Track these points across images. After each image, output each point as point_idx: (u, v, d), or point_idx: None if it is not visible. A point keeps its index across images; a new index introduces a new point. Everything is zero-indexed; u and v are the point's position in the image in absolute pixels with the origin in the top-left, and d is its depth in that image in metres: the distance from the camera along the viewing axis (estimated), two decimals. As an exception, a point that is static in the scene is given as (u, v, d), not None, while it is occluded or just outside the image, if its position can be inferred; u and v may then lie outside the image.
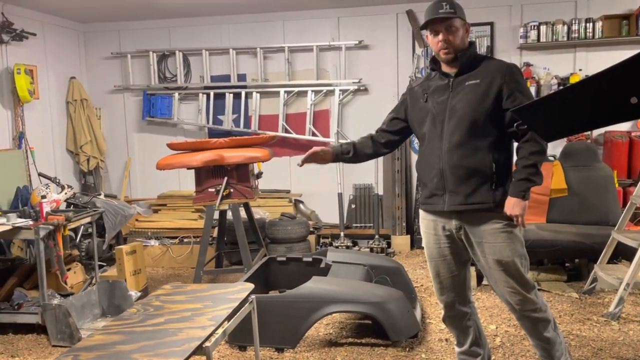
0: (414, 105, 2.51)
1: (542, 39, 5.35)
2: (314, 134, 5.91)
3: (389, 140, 2.64)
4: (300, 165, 2.59)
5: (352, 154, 2.61)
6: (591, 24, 5.23)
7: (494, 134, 2.32)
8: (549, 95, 1.41)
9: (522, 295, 2.38)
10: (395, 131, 2.63)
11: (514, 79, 2.31)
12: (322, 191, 5.96)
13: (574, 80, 5.34)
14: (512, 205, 2.29)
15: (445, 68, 2.42)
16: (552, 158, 5.01)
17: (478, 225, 2.37)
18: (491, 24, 5.55)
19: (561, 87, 4.44)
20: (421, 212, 2.56)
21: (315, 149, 2.59)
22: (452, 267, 2.50)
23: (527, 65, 5.42)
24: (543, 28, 5.33)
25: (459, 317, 2.58)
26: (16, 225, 3.53)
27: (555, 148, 5.23)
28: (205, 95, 6.04)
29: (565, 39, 5.31)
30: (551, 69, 5.39)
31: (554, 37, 5.33)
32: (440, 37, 2.33)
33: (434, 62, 2.46)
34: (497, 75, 2.31)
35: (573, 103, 1.35)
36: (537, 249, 4.04)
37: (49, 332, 3.51)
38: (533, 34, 5.35)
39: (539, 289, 4.07)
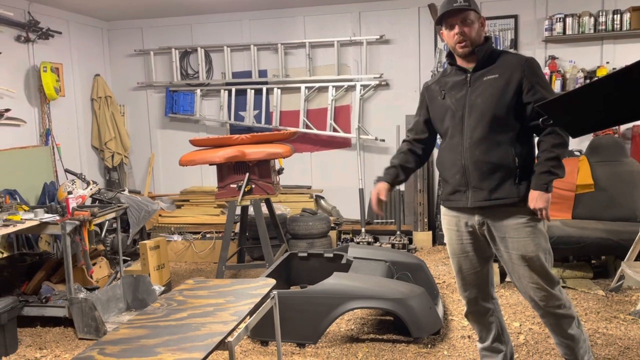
0: (433, 103, 2.49)
1: (568, 32, 5.24)
2: (334, 130, 5.90)
3: (425, 146, 2.62)
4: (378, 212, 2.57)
5: (403, 177, 2.59)
6: (619, 15, 5.10)
7: (515, 128, 2.30)
8: (575, 89, 1.38)
9: (547, 291, 2.34)
10: (427, 137, 2.60)
11: (533, 72, 2.29)
12: (343, 187, 5.95)
13: (600, 73, 5.22)
14: (535, 199, 2.26)
15: (461, 63, 2.39)
16: (578, 153, 4.92)
17: (501, 220, 2.34)
18: (515, 17, 5.45)
19: (587, 81, 4.35)
20: (443, 209, 2.54)
21: (380, 197, 2.52)
22: (475, 263, 2.48)
23: (553, 58, 5.32)
24: (569, 20, 5.22)
25: (482, 312, 2.56)
26: (43, 220, 3.60)
27: (581, 143, 5.13)
28: (226, 92, 6.08)
29: (592, 31, 5.19)
30: (577, 62, 5.28)
31: (580, 29, 5.21)
32: (456, 29, 2.32)
33: (450, 57, 2.44)
34: (516, 69, 2.29)
35: (600, 97, 1.32)
36: (562, 246, 3.97)
37: (75, 325, 3.58)
38: (559, 27, 5.25)
39: (563, 286, 4.05)
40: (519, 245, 2.33)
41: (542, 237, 2.35)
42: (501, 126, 2.29)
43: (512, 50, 5.03)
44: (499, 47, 4.49)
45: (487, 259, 2.51)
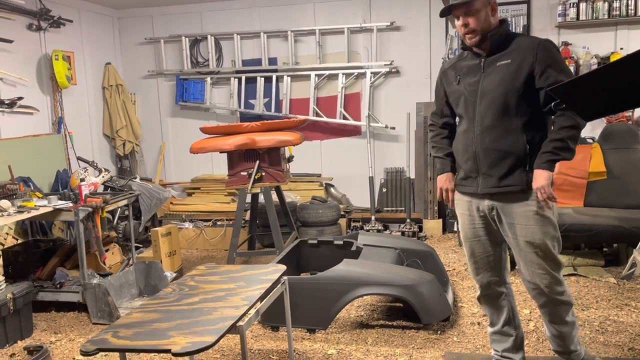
0: (449, 88, 2.49)
1: (582, 17, 5.16)
2: (344, 118, 5.89)
3: (453, 128, 2.57)
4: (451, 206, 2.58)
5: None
6: (633, 0, 5.02)
7: (527, 114, 2.27)
8: (587, 73, 1.37)
9: (553, 277, 2.34)
10: (453, 121, 2.57)
11: (546, 56, 2.22)
12: (353, 175, 5.95)
13: (614, 59, 5.15)
14: (535, 178, 2.23)
15: (476, 48, 2.36)
16: (590, 140, 4.87)
17: (510, 206, 2.33)
18: (527, 2, 5.38)
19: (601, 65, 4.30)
20: (456, 194, 2.54)
21: (448, 186, 2.52)
22: (487, 248, 2.48)
23: (566, 44, 5.25)
24: (583, 5, 5.14)
25: (494, 296, 2.56)
26: (57, 207, 3.65)
27: (594, 130, 5.08)
28: (236, 80, 6.08)
29: (605, 16, 5.11)
30: (591, 48, 5.21)
31: (594, 14, 5.14)
32: (461, 21, 2.29)
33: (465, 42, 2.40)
34: (528, 53, 2.24)
35: (612, 81, 1.31)
36: (574, 233, 3.96)
37: (89, 310, 3.64)
38: (572, 12, 5.18)
39: (574, 274, 4.04)
40: (527, 232, 2.32)
41: (550, 225, 2.33)
42: (512, 113, 2.27)
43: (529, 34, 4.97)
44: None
45: (499, 244, 2.50)
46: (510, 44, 2.30)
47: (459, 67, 2.43)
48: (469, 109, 2.36)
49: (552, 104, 1.58)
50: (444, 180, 2.54)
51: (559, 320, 2.44)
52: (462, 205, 2.50)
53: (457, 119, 2.52)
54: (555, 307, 2.41)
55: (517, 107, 2.26)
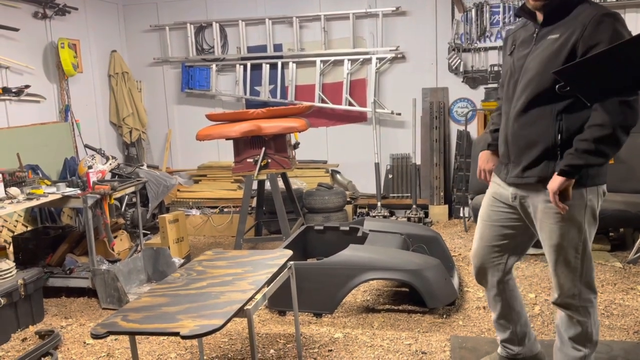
0: (504, 58, 2.25)
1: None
2: (350, 104, 5.88)
3: None
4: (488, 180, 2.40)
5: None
6: (643, -18, 4.95)
7: (565, 99, 1.97)
8: (592, 55, 1.36)
9: (569, 288, 2.11)
10: None
11: (594, 34, 1.88)
12: (359, 161, 5.95)
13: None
14: (551, 180, 1.98)
15: (538, 15, 2.06)
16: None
17: (532, 198, 2.12)
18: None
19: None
20: (493, 174, 2.39)
21: (485, 166, 2.39)
22: (496, 237, 2.31)
23: (573, 28, 5.20)
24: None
25: (487, 287, 2.43)
26: (66, 194, 3.68)
27: (601, 115, 5.04)
28: (242, 67, 6.07)
29: (613, 0, 5.05)
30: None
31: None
32: None
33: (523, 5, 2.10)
34: (577, 28, 1.92)
35: (618, 63, 1.31)
36: (579, 218, 3.95)
37: (98, 296, 3.69)
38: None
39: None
40: (545, 231, 2.11)
41: (573, 228, 2.05)
42: (547, 97, 2.00)
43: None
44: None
45: (506, 237, 2.30)
46: (570, 13, 1.97)
47: (518, 35, 2.16)
48: (510, 86, 2.14)
49: (557, 86, 1.57)
50: (482, 159, 2.40)
51: (565, 341, 2.21)
52: (492, 186, 2.35)
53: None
54: (567, 327, 2.18)
55: (553, 91, 1.95)
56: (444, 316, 3.24)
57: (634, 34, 5.03)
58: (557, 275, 2.14)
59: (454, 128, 5.70)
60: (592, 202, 2.06)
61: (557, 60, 1.94)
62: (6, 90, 4.65)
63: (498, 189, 2.30)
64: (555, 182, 1.96)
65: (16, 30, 4.76)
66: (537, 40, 2.04)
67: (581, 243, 2.08)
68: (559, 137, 1.99)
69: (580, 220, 2.05)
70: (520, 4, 2.13)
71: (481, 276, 2.43)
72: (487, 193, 2.38)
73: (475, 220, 2.79)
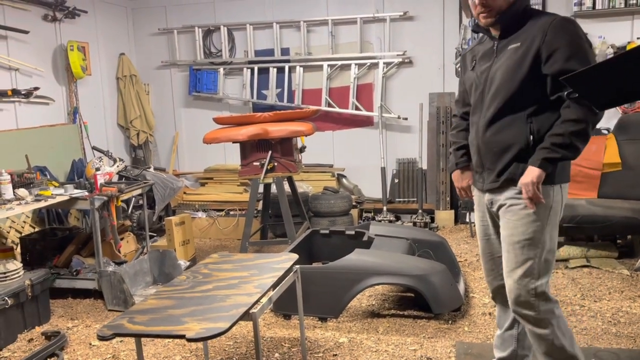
0: (465, 74, 2.30)
1: (598, 6, 5.10)
2: (357, 108, 5.88)
3: None
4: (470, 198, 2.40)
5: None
6: (652, -11, 4.94)
7: (534, 103, 2.02)
8: (601, 62, 1.36)
9: (522, 292, 2.07)
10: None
11: (555, 38, 1.93)
12: (365, 165, 5.96)
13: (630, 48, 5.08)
14: (525, 174, 1.99)
15: (492, 30, 2.13)
16: (605, 131, 4.82)
17: (500, 195, 2.13)
18: (540, -7, 5.33)
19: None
20: (473, 188, 2.40)
21: (460, 184, 2.39)
22: (496, 249, 2.28)
23: (581, 34, 5.19)
24: (599, -6, 5.08)
25: (505, 300, 2.28)
26: (73, 195, 3.70)
27: (609, 121, 5.03)
28: (249, 70, 6.09)
29: (622, 5, 5.04)
30: (607, 38, 5.14)
31: (611, 4, 5.07)
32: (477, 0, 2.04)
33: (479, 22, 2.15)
34: (538, 35, 1.96)
35: (627, 70, 1.31)
36: (587, 225, 3.94)
37: (104, 297, 3.70)
38: (588, 1, 5.11)
39: (587, 266, 4.00)
40: (505, 227, 2.10)
41: (533, 225, 2.04)
42: (516, 104, 2.03)
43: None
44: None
45: (501, 247, 2.23)
46: (527, 24, 2.03)
47: (477, 51, 2.22)
48: (477, 98, 2.17)
49: (565, 92, 1.56)
50: (455, 179, 2.40)
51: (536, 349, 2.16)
52: (475, 199, 2.35)
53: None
54: (535, 343, 2.13)
55: (521, 97, 2.02)
56: (450, 322, 3.23)
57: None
58: (510, 276, 2.11)
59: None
60: (556, 202, 2.07)
61: (522, 67, 2.00)
62: (16, 92, 4.69)
63: (479, 199, 2.31)
64: (532, 173, 1.96)
65: (26, 32, 4.80)
66: (497, 53, 2.10)
67: (540, 244, 2.06)
68: (531, 138, 2.02)
69: (543, 219, 2.05)
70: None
71: (495, 293, 2.37)
72: (475, 208, 2.37)
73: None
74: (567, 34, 1.94)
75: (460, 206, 5.60)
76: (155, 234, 5.04)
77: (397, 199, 5.90)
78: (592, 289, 3.63)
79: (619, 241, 4.40)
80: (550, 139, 1.96)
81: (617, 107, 4.99)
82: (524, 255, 2.07)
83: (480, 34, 2.23)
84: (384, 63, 5.75)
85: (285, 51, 6.02)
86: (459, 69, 2.39)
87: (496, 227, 2.25)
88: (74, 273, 3.85)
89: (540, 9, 5.30)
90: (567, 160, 2.02)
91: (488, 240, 2.32)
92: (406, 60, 5.74)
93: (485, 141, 2.13)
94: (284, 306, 3.33)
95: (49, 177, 4.51)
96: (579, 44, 1.94)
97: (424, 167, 5.71)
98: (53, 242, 4.12)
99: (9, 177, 3.57)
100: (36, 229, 4.46)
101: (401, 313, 3.40)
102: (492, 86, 2.10)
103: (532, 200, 1.99)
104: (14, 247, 3.99)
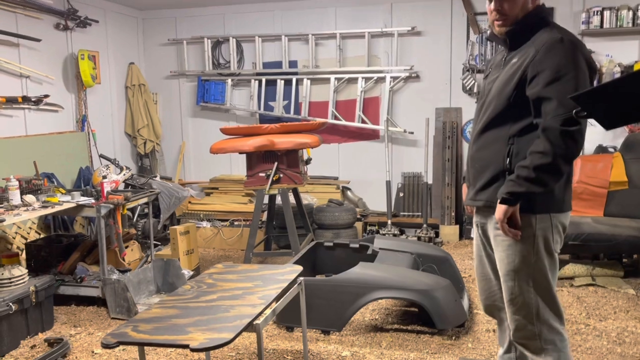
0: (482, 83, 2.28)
1: (606, 25, 5.12)
2: (363, 121, 5.90)
3: None
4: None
5: None
6: (659, 9, 4.96)
7: (518, 123, 1.95)
8: (609, 81, 1.37)
9: (523, 325, 2.02)
10: None
11: (543, 60, 1.86)
12: (370, 179, 5.96)
13: (638, 68, 5.09)
14: (496, 209, 1.93)
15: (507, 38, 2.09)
16: (612, 150, 4.82)
17: (488, 225, 2.10)
18: (551, 9, 5.35)
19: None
20: None
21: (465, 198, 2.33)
22: (486, 271, 2.25)
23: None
24: (607, 13, 5.10)
25: (498, 320, 2.35)
26: (80, 203, 3.72)
27: (616, 139, 5.03)
28: (257, 82, 6.13)
29: (630, 24, 5.06)
30: (614, 56, 5.16)
31: (618, 23, 5.09)
32: (492, 5, 2.00)
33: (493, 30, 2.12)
34: (531, 53, 1.91)
35: (635, 90, 1.31)
36: (593, 243, 3.92)
37: (108, 305, 3.70)
38: (596, 20, 5.14)
39: (593, 284, 3.98)
40: (497, 258, 2.07)
41: (519, 257, 1.97)
42: (501, 120, 1.99)
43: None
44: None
45: (493, 265, 2.19)
46: (531, 39, 1.97)
47: (494, 60, 2.19)
48: (478, 108, 2.15)
49: (574, 111, 1.57)
50: (463, 192, 2.34)
51: None
52: (474, 218, 2.28)
53: None
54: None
55: (507, 114, 1.97)
56: (453, 338, 3.21)
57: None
58: (509, 307, 2.06)
59: (467, 148, 5.69)
60: (543, 231, 1.96)
61: (510, 84, 1.95)
62: (26, 99, 4.73)
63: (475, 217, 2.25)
64: (498, 210, 1.92)
65: (38, 40, 4.86)
66: (504, 65, 2.06)
67: (530, 275, 1.98)
68: (508, 161, 1.96)
69: (528, 249, 1.96)
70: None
71: (489, 311, 2.35)
72: (473, 226, 2.32)
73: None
74: (557, 57, 1.86)
75: (465, 221, 5.59)
76: (159, 243, 5.04)
77: (401, 213, 5.89)
78: (597, 307, 3.61)
79: (624, 260, 4.37)
80: (517, 170, 1.90)
81: (624, 126, 4.99)
82: (516, 287, 2.02)
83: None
84: (391, 77, 5.78)
85: (293, 64, 6.06)
86: (465, 83, 2.37)
87: (487, 248, 2.21)
88: (78, 280, 3.85)
89: (548, 26, 5.35)
90: (538, 193, 1.88)
91: (480, 260, 2.28)
92: (413, 75, 5.77)
93: (471, 155, 2.13)
94: (287, 318, 3.32)
95: (56, 183, 4.53)
96: (567, 69, 1.85)
97: (429, 181, 5.71)
98: (58, 249, 4.14)
99: (17, 183, 3.60)
100: (42, 235, 4.48)
101: (404, 328, 3.38)
102: (487, 99, 2.08)
103: (507, 233, 1.94)
104: (20, 252, 4.01)
